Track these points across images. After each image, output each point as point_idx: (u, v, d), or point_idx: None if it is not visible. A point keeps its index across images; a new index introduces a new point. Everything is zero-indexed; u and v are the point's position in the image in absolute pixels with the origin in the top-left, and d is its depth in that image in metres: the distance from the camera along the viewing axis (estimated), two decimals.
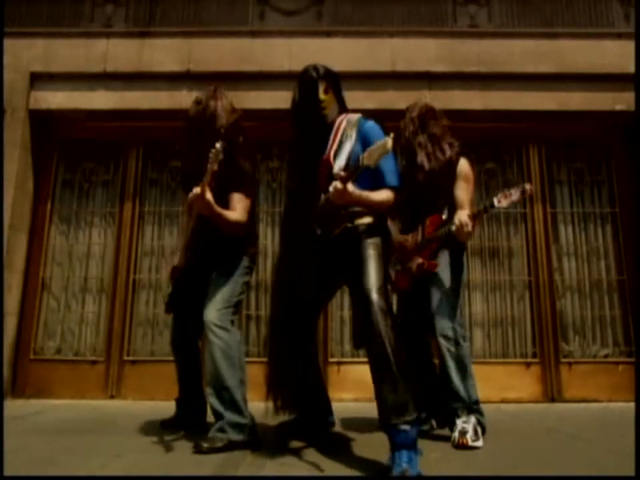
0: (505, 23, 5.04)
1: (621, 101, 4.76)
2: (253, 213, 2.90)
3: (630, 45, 4.60)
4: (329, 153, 2.43)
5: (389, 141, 2.01)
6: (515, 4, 5.08)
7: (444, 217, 2.86)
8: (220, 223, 2.69)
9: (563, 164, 5.14)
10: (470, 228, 2.66)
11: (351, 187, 2.16)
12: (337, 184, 2.14)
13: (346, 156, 2.38)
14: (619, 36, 4.88)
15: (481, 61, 4.85)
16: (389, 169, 2.39)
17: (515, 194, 2.66)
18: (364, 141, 2.38)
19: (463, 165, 2.94)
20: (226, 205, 2.71)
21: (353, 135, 2.43)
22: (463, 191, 2.87)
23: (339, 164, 2.36)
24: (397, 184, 2.40)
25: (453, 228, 2.70)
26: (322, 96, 2.49)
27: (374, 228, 2.37)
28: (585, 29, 4.95)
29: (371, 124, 2.47)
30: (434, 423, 2.93)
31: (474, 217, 2.72)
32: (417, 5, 5.06)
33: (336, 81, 2.58)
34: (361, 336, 2.20)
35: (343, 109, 2.60)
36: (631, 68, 4.58)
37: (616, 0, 5.04)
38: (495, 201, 2.68)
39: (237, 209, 2.73)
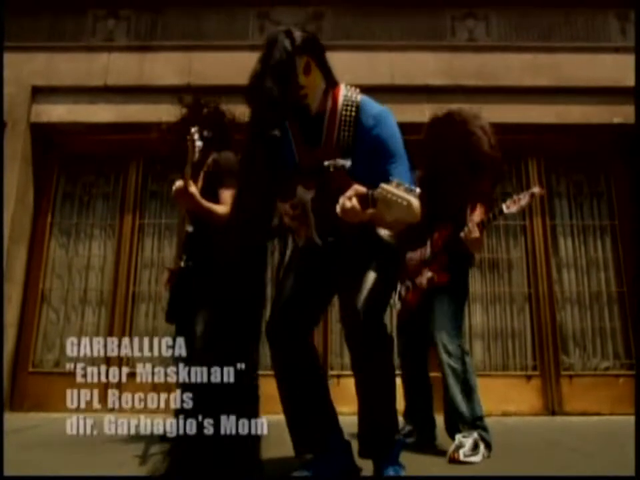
0: (503, 36, 5.09)
1: (619, 113, 4.79)
2: None
3: (627, 59, 4.62)
4: (330, 148, 1.88)
5: (415, 205, 1.49)
6: (512, 18, 5.13)
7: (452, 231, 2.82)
8: (209, 218, 2.57)
9: (562, 176, 5.16)
10: (477, 234, 2.60)
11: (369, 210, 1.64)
12: (353, 203, 1.63)
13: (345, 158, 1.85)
14: (616, 50, 4.92)
15: (479, 75, 4.88)
16: (401, 172, 1.81)
17: (524, 198, 2.63)
18: (372, 147, 1.84)
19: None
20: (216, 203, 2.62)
21: (351, 126, 1.87)
22: (475, 212, 2.82)
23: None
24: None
25: (462, 235, 2.67)
26: (302, 80, 1.80)
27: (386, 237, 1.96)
28: (582, 43, 4.99)
29: (386, 120, 1.87)
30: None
31: (482, 224, 2.69)
32: (416, 20, 5.10)
33: (319, 50, 1.90)
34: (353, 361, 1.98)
35: (331, 84, 1.93)
36: (628, 81, 4.59)
37: (613, 15, 5.08)
38: (504, 207, 2.65)
39: (228, 202, 2.58)
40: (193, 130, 2.28)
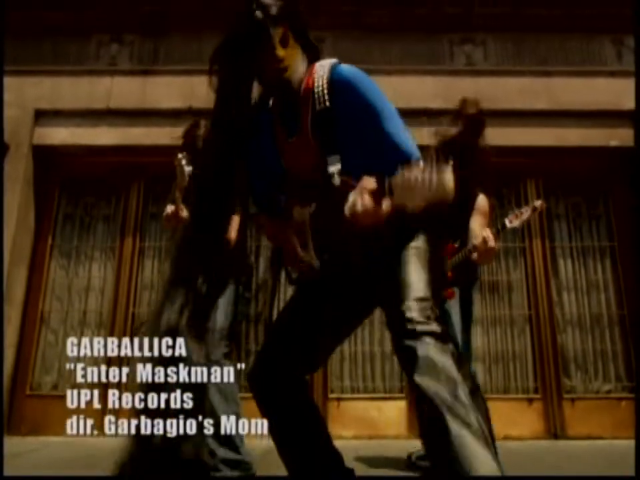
0: (501, 61, 5.16)
1: (615, 136, 4.83)
2: (243, 233, 2.77)
3: (623, 83, 4.69)
4: (305, 129, 1.58)
5: (448, 179, 1.16)
6: (509, 43, 5.21)
7: (456, 245, 2.81)
8: None
9: (561, 198, 5.18)
10: (493, 243, 2.50)
11: (386, 203, 1.28)
12: (365, 201, 1.28)
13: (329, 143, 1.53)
14: (612, 74, 4.98)
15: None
16: (396, 128, 1.51)
17: (525, 212, 2.62)
18: (353, 105, 1.52)
19: (482, 200, 2.92)
20: None
21: (326, 89, 1.55)
22: (479, 225, 2.81)
23: (332, 159, 1.50)
24: (418, 155, 1.46)
25: (475, 242, 2.58)
26: (280, 52, 1.54)
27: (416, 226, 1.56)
28: (578, 67, 5.06)
29: (361, 75, 1.56)
30: None
31: (497, 232, 2.67)
32: (414, 44, 5.17)
33: (296, 19, 1.61)
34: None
35: (313, 57, 1.66)
36: (624, 105, 4.66)
37: (608, 40, 5.16)
38: (507, 221, 2.65)
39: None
40: (180, 156, 2.27)
